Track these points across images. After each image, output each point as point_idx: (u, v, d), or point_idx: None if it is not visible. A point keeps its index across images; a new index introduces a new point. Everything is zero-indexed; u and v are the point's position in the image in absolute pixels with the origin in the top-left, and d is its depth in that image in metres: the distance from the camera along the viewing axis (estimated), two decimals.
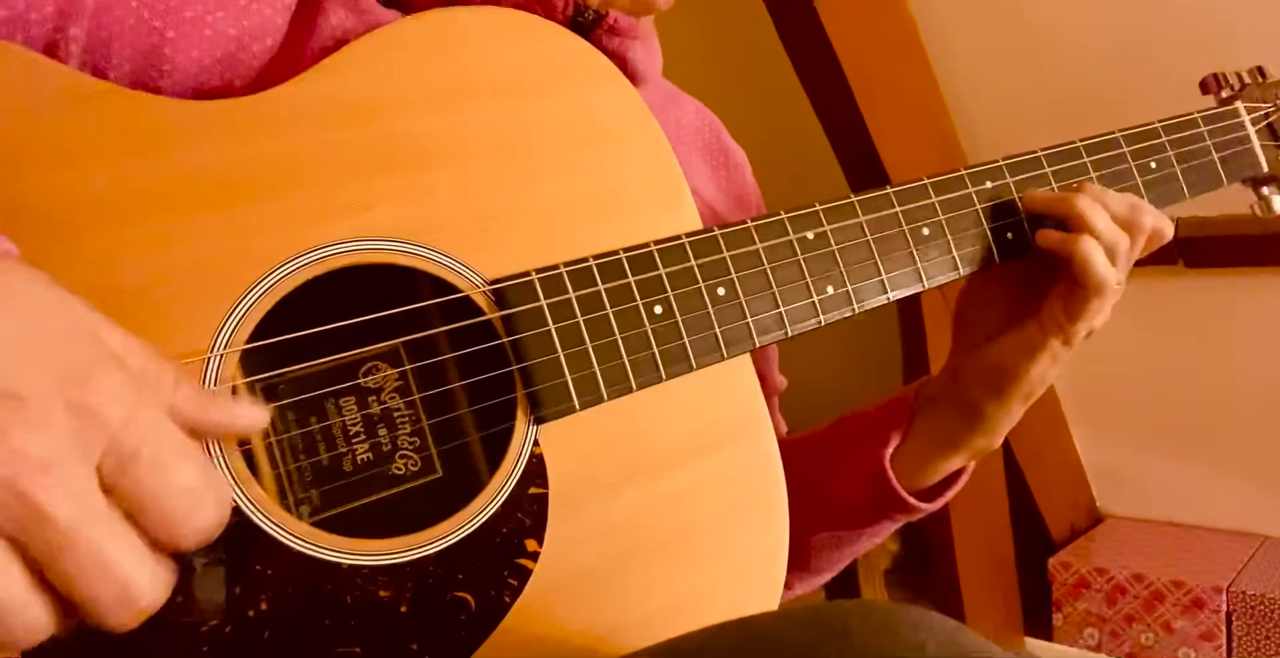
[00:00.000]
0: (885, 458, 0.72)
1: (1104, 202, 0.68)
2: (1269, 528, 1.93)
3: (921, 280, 0.67)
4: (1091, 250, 0.65)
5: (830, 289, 0.63)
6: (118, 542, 0.34)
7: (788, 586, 0.74)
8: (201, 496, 0.36)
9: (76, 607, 0.34)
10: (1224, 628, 1.77)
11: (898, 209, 0.66)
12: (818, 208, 0.64)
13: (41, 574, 0.33)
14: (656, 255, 0.59)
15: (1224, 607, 1.76)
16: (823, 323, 0.63)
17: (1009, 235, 0.70)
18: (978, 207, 0.69)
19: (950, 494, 0.74)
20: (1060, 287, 0.67)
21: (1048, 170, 0.73)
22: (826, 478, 0.75)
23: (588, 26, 0.66)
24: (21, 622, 0.33)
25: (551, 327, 0.55)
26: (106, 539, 0.34)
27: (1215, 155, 0.79)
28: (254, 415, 0.41)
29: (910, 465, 0.72)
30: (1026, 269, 0.71)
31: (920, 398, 0.74)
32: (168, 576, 0.37)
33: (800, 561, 0.76)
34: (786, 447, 0.67)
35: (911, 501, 0.71)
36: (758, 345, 0.61)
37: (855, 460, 0.74)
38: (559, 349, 0.55)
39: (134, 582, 0.35)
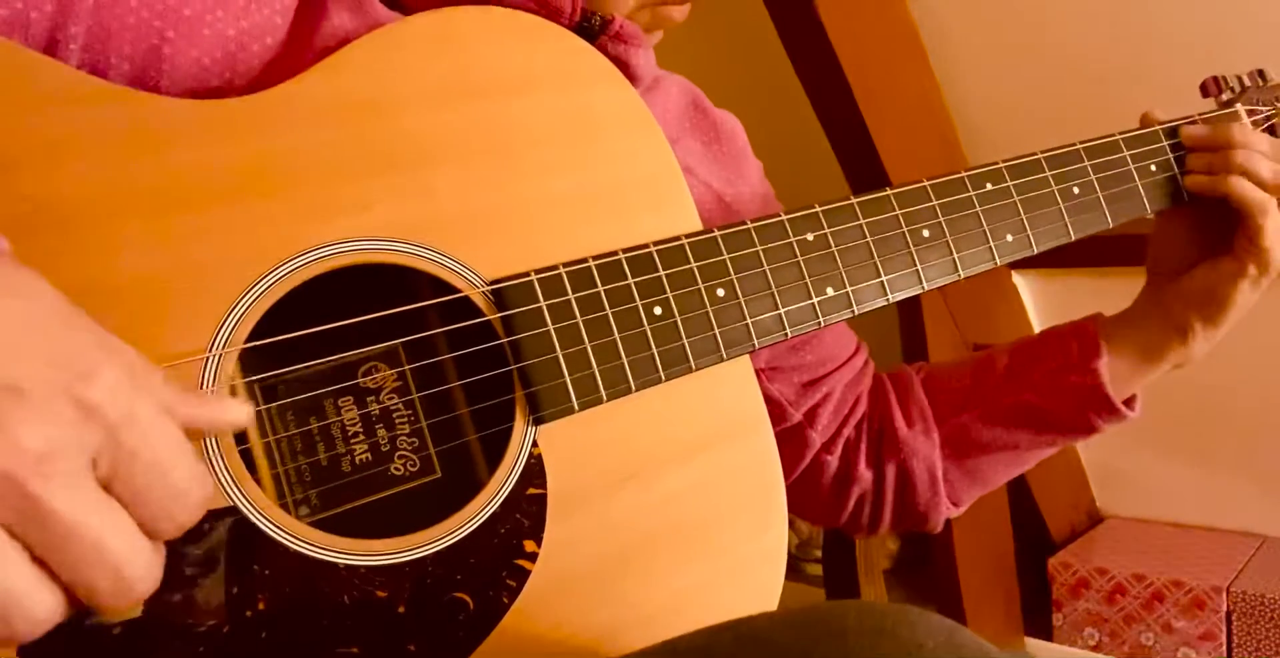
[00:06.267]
0: (1101, 367, 0.79)
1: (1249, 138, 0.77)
2: (1269, 528, 1.93)
3: (921, 282, 0.67)
4: (1233, 180, 0.74)
5: (830, 290, 0.63)
6: (116, 532, 0.35)
7: (957, 502, 0.85)
8: (189, 496, 0.37)
9: (75, 595, 0.35)
10: (1224, 628, 1.77)
11: (897, 211, 0.66)
12: (817, 209, 0.64)
13: (41, 565, 0.34)
14: (656, 256, 0.59)
15: (1224, 607, 1.76)
16: (822, 324, 0.63)
17: (1009, 237, 0.70)
18: (979, 209, 0.69)
19: (1136, 412, 0.81)
20: (1240, 220, 0.75)
21: (1049, 174, 0.73)
22: (1022, 391, 0.82)
23: (594, 32, 0.66)
24: (24, 612, 0.33)
25: (551, 327, 0.55)
26: (105, 529, 0.34)
27: None
28: (237, 412, 0.41)
29: (1111, 379, 0.79)
30: (1209, 210, 0.78)
31: (1112, 323, 0.81)
32: (161, 561, 0.37)
33: (983, 478, 0.85)
34: (960, 369, 0.84)
35: (1119, 405, 0.79)
36: (757, 347, 0.61)
37: (1060, 373, 0.80)
38: (558, 350, 0.55)
39: (131, 571, 0.35)
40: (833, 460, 0.84)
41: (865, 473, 0.84)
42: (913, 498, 0.84)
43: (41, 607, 0.34)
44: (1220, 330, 0.78)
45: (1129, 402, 0.81)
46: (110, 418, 0.35)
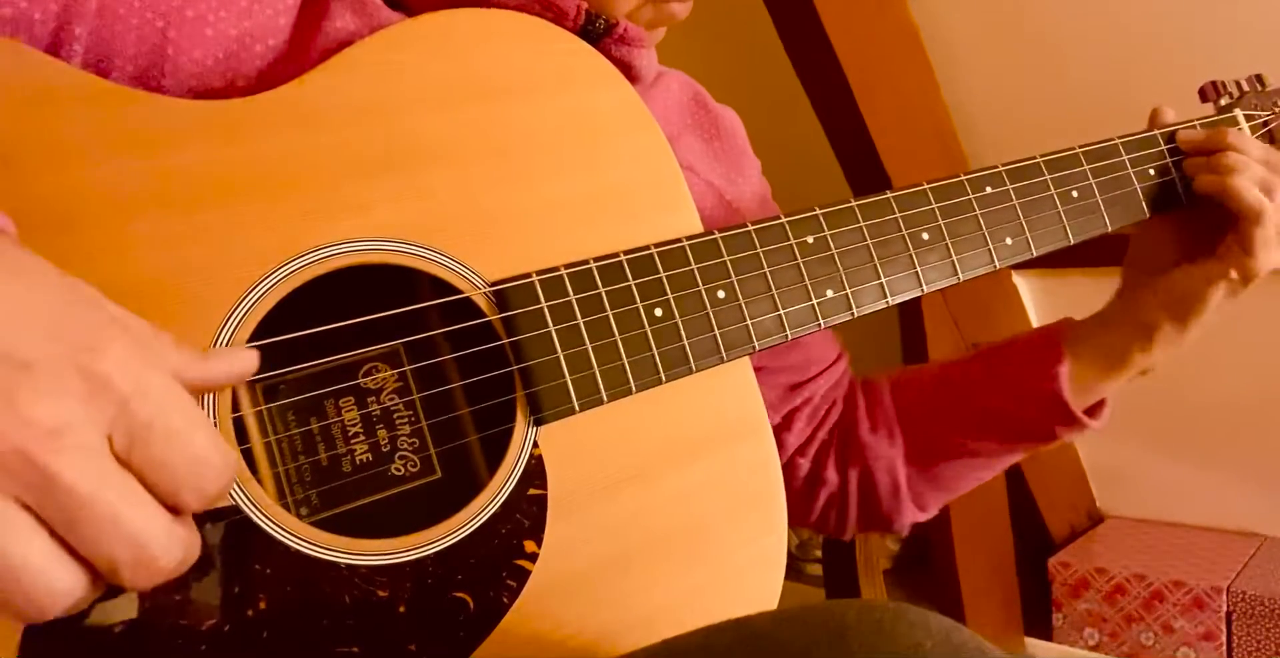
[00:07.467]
0: (1061, 376, 0.77)
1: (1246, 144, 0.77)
2: (1269, 528, 1.93)
3: (920, 284, 0.67)
4: (1239, 183, 0.74)
5: (829, 292, 0.64)
6: (133, 505, 0.35)
7: (924, 507, 0.84)
8: (211, 464, 0.37)
9: (98, 571, 0.35)
10: (1224, 628, 1.77)
11: (897, 214, 0.67)
12: (817, 212, 0.64)
13: (62, 541, 0.34)
14: (657, 258, 0.59)
15: (1224, 607, 1.76)
16: (822, 326, 0.63)
17: (1008, 240, 0.71)
18: (978, 212, 0.70)
19: (1099, 422, 0.80)
20: (1232, 224, 0.74)
21: (1048, 177, 0.73)
22: (984, 397, 0.82)
23: (597, 35, 0.66)
24: (45, 587, 0.33)
25: (551, 328, 0.55)
26: (121, 502, 0.34)
27: None
28: (247, 359, 0.42)
29: (1074, 385, 0.78)
30: (1195, 214, 0.78)
31: (1081, 326, 0.80)
32: (187, 535, 0.37)
33: (947, 484, 0.85)
34: (926, 375, 0.82)
35: (1080, 414, 0.78)
36: (757, 348, 0.61)
37: (1022, 379, 0.80)
38: (559, 351, 0.55)
39: (152, 544, 0.35)
40: (805, 463, 0.84)
41: (832, 476, 0.84)
42: (875, 502, 0.84)
43: (62, 582, 0.34)
44: (1187, 334, 0.76)
45: (1094, 409, 0.80)
46: (122, 390, 0.35)
